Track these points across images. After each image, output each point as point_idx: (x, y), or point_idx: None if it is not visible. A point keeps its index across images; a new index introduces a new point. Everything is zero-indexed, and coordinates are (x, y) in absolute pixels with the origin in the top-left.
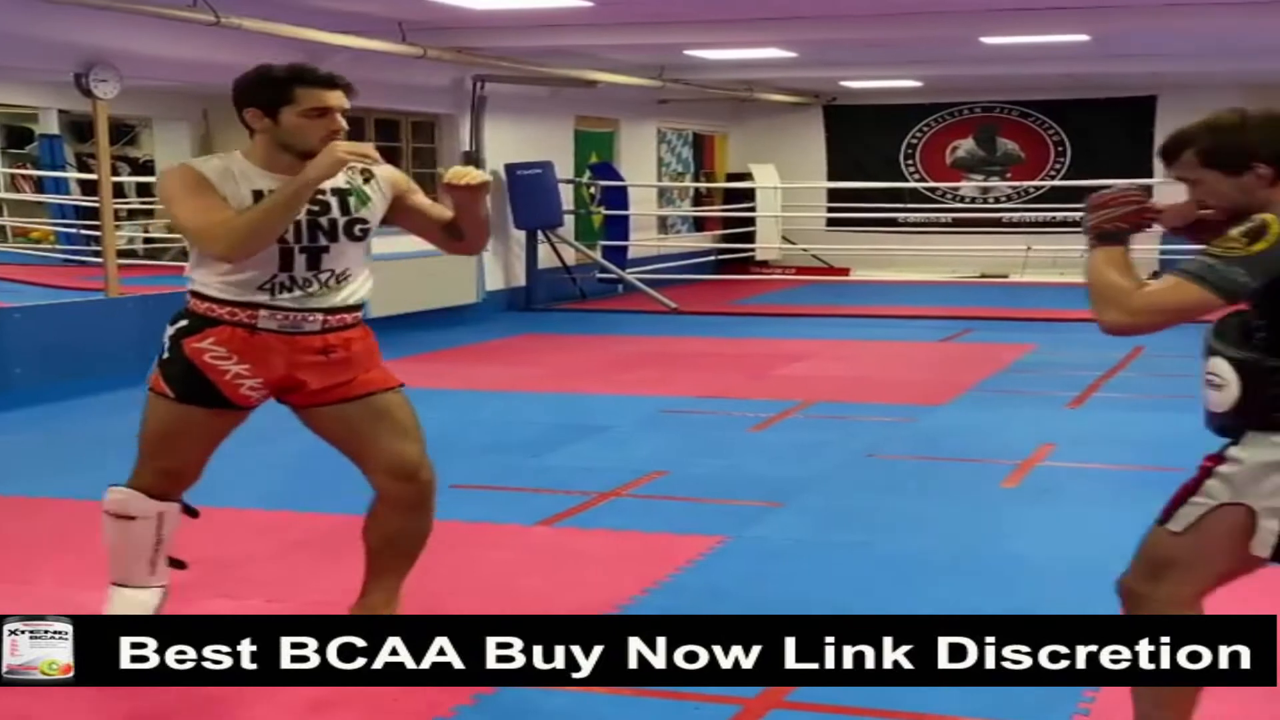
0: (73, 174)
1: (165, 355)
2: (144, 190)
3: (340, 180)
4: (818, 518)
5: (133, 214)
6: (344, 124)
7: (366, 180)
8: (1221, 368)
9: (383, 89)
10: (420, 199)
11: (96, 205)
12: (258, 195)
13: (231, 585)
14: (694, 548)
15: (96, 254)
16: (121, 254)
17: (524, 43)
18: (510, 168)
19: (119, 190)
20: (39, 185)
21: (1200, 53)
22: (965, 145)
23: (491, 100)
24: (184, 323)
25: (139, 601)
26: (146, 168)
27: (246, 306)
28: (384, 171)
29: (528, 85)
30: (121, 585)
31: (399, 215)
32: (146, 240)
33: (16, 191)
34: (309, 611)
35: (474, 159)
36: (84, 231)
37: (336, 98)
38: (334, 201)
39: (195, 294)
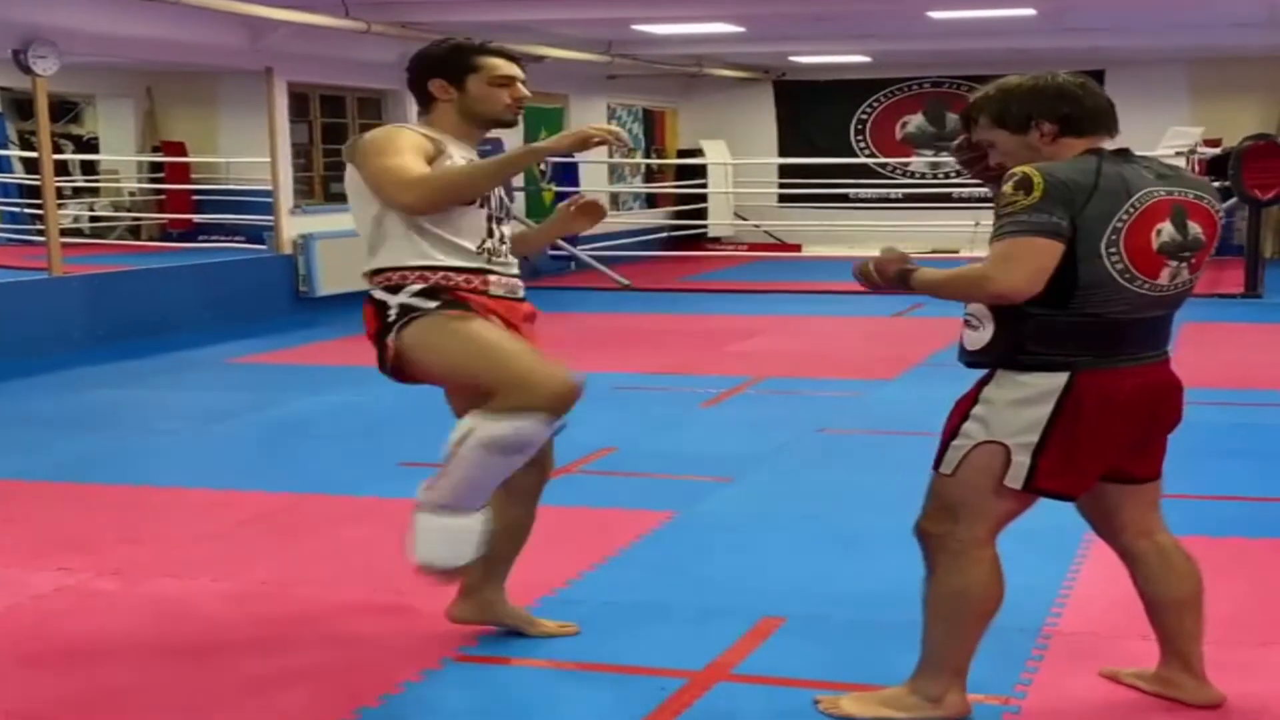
0: (15, 152)
1: (431, 305)
2: (88, 168)
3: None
4: (767, 492)
5: (77, 192)
6: (527, 93)
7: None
8: (979, 309)
9: (327, 64)
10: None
11: (39, 183)
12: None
13: (176, 565)
14: (643, 523)
15: (41, 233)
16: (66, 232)
17: (469, 17)
18: None
19: (63, 168)
20: None
21: (1146, 27)
22: (915, 121)
23: None
24: (418, 287)
25: (466, 536)
26: (90, 145)
27: (479, 272)
28: None
29: None
30: (444, 510)
31: None
32: (92, 218)
33: None
34: (255, 590)
35: None
36: (27, 210)
37: (516, 69)
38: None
39: (411, 268)
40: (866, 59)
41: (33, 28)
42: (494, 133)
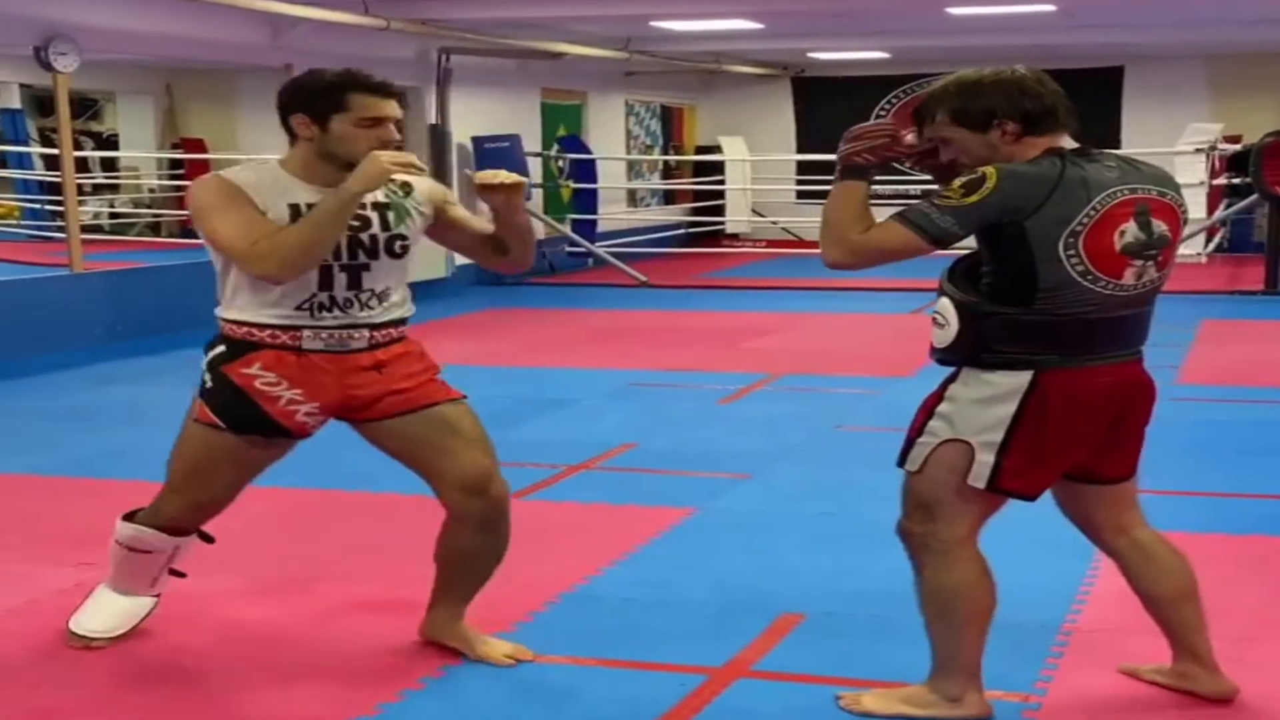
0: (36, 149)
1: (208, 385)
2: (108, 165)
3: (380, 194)
4: (785, 489)
5: (97, 189)
6: (396, 135)
7: (407, 194)
8: (945, 307)
9: (347, 62)
10: (460, 212)
11: (60, 180)
12: (294, 209)
13: (194, 561)
14: (662, 520)
15: (61, 229)
16: (86, 229)
17: (488, 14)
18: (477, 140)
19: (83, 165)
20: (1, 160)
21: (1166, 23)
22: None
23: (457, 73)
24: (221, 349)
25: (131, 612)
26: (110, 142)
27: (288, 328)
28: (423, 185)
29: (493, 58)
30: (117, 591)
31: (439, 230)
32: (112, 215)
33: None
34: (271, 586)
35: (440, 132)
36: (48, 207)
37: (391, 107)
38: (374, 217)
39: (229, 319)
40: (885, 55)
41: (53, 24)
42: (510, 129)
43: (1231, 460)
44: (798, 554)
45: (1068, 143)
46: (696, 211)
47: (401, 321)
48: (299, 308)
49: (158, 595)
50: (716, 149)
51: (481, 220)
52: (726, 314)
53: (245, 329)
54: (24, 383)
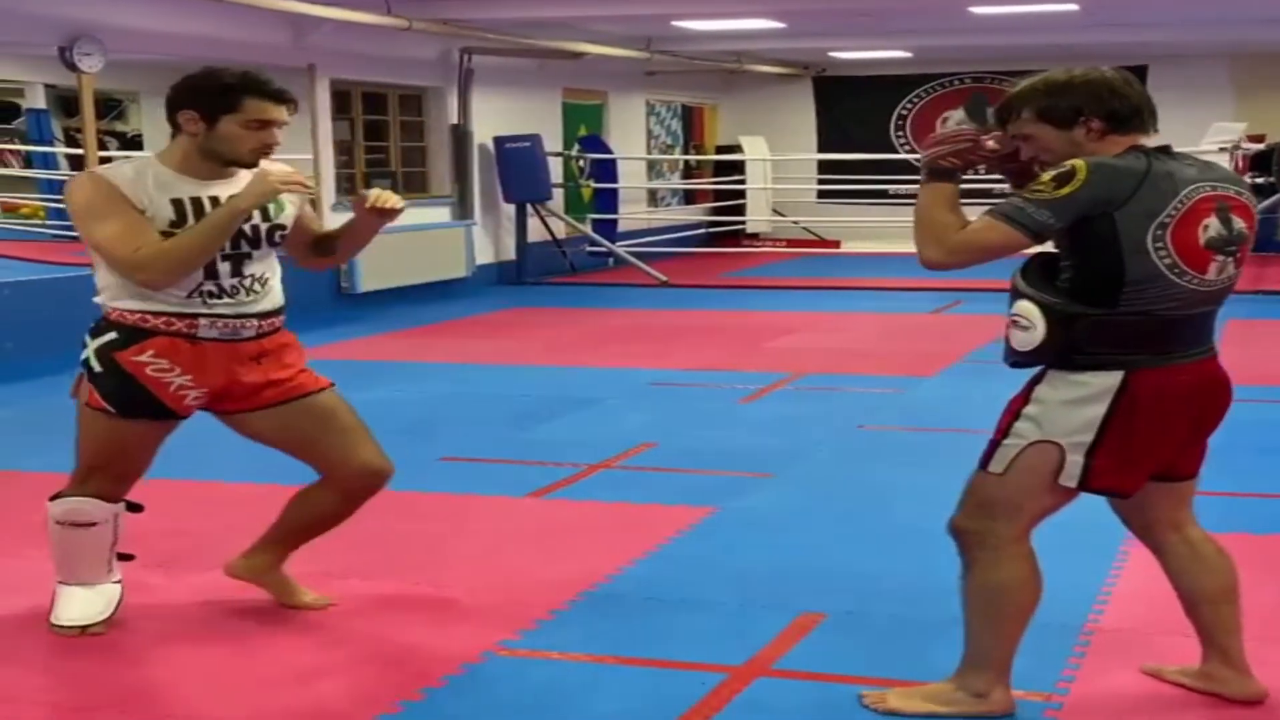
0: (61, 149)
1: (96, 370)
2: None
3: None
4: (807, 489)
5: None
6: (279, 139)
7: None
8: (1029, 310)
9: (369, 62)
10: (309, 210)
11: None
12: (178, 204)
13: (218, 558)
14: (683, 519)
15: None
16: None
17: (510, 14)
18: (499, 141)
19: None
20: (27, 160)
21: (1189, 22)
22: (955, 116)
23: (479, 73)
24: (112, 335)
25: (102, 597)
26: (135, 142)
27: (184, 316)
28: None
29: (515, 58)
30: (75, 585)
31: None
32: None
33: (4, 167)
34: (302, 584)
35: (462, 132)
36: None
37: (282, 113)
38: (263, 208)
39: (121, 308)
40: (907, 54)
41: (78, 24)
42: (531, 129)
43: (1255, 460)
44: (819, 553)
45: (1149, 143)
46: (717, 211)
47: (281, 311)
48: (190, 296)
49: (119, 581)
50: (737, 148)
51: (317, 221)
52: (747, 313)
53: (138, 315)
54: (48, 381)
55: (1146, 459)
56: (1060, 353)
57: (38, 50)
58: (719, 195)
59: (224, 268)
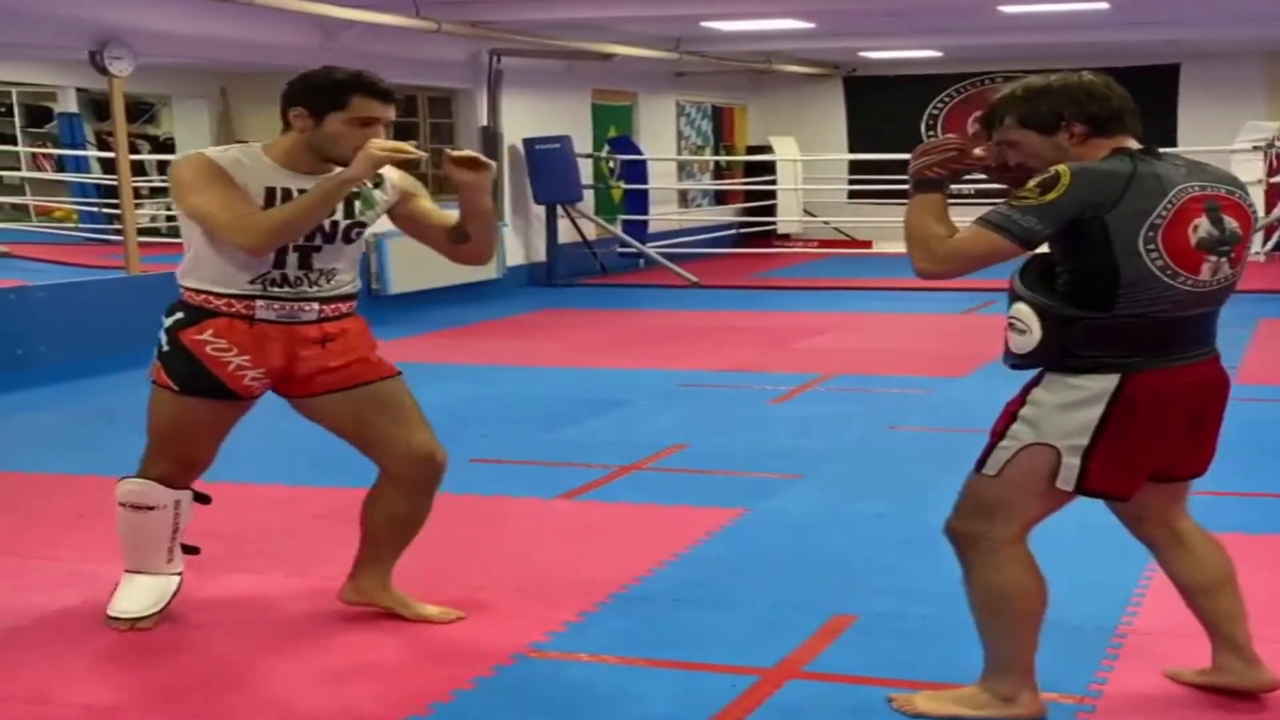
0: (93, 152)
1: (164, 349)
2: (164, 168)
3: None
4: (837, 490)
5: (155, 192)
6: (383, 138)
7: (377, 185)
8: (1025, 313)
9: (398, 64)
10: (424, 204)
11: (117, 183)
12: (270, 192)
13: (250, 560)
14: (713, 520)
15: (119, 232)
16: (144, 231)
17: (538, 15)
18: (528, 142)
19: (140, 168)
20: (60, 164)
21: (1222, 20)
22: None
23: (508, 74)
24: (179, 315)
25: (157, 588)
26: (166, 145)
27: (242, 298)
28: (391, 174)
29: (544, 59)
30: (138, 573)
31: (400, 220)
32: (169, 218)
33: (38, 170)
34: (327, 585)
35: (492, 133)
36: (105, 210)
37: (389, 112)
38: (340, 204)
39: (190, 287)
40: (938, 54)
41: (108, 29)
42: (561, 130)
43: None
44: (850, 555)
45: (1133, 144)
46: (748, 211)
47: (350, 297)
48: (252, 282)
49: (179, 573)
50: (768, 149)
51: (445, 214)
52: (778, 314)
53: (203, 296)
54: (82, 384)
55: (1143, 461)
56: (1056, 356)
57: (69, 54)
58: (750, 196)
59: (292, 258)
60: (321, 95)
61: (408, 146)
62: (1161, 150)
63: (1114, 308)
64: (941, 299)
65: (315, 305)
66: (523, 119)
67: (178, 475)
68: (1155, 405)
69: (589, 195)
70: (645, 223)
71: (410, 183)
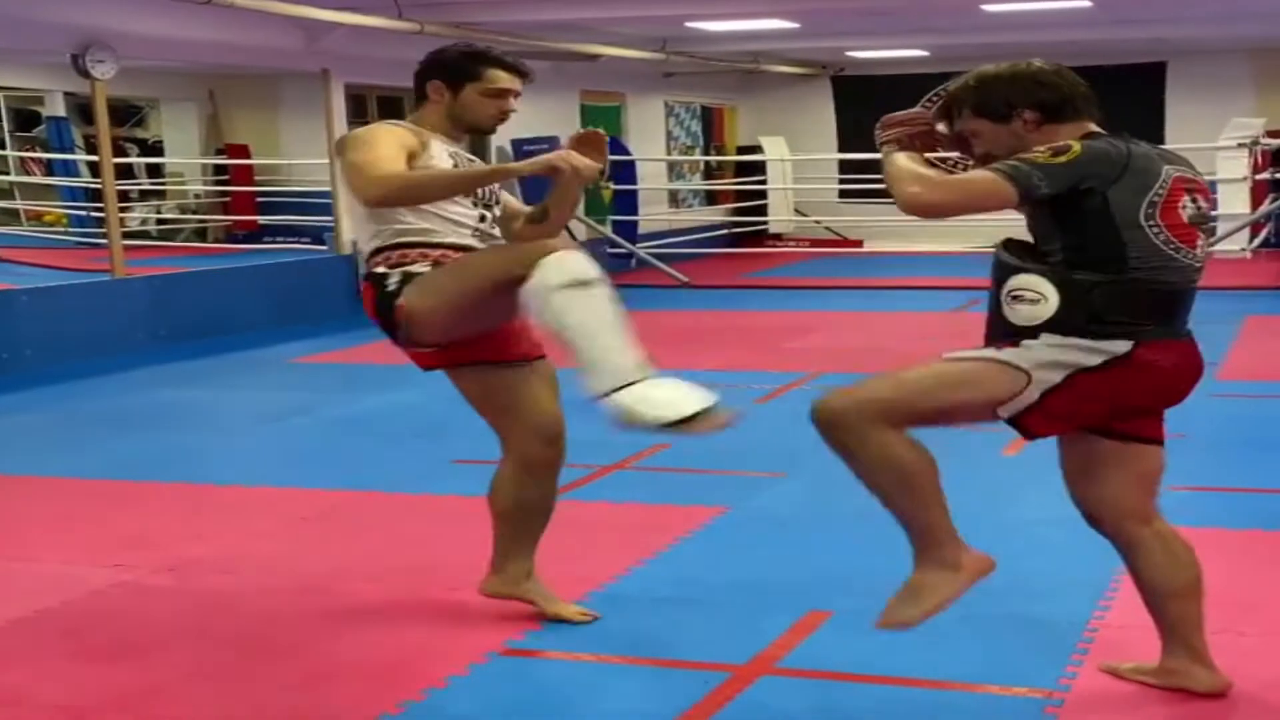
0: (81, 156)
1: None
2: (154, 171)
3: (462, 159)
4: (820, 487)
5: (144, 195)
6: (515, 107)
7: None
8: (1035, 282)
9: (384, 65)
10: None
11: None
12: (454, 156)
13: (232, 561)
14: (694, 518)
15: (106, 236)
16: (134, 235)
17: (521, 16)
18: (516, 143)
19: (129, 171)
20: (49, 168)
21: (1208, 18)
22: None
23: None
24: (426, 268)
25: (664, 385)
26: (155, 149)
27: (459, 249)
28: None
29: (530, 60)
30: (632, 384)
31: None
32: (159, 221)
33: (26, 174)
34: (307, 586)
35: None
36: (94, 214)
37: (518, 83)
38: None
39: (413, 246)
40: (924, 53)
41: (90, 32)
42: (549, 131)
43: (1274, 456)
44: (829, 552)
45: (1095, 129)
46: (738, 211)
47: None
48: (473, 233)
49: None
50: (757, 149)
51: (516, 199)
52: (768, 314)
53: (440, 250)
54: (67, 387)
55: (1089, 417)
56: (1080, 323)
57: (51, 58)
58: (740, 196)
59: (488, 215)
60: (457, 67)
61: (585, 166)
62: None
63: (1126, 271)
64: (932, 298)
65: None
66: (510, 120)
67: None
68: (1147, 373)
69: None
70: (635, 223)
71: None
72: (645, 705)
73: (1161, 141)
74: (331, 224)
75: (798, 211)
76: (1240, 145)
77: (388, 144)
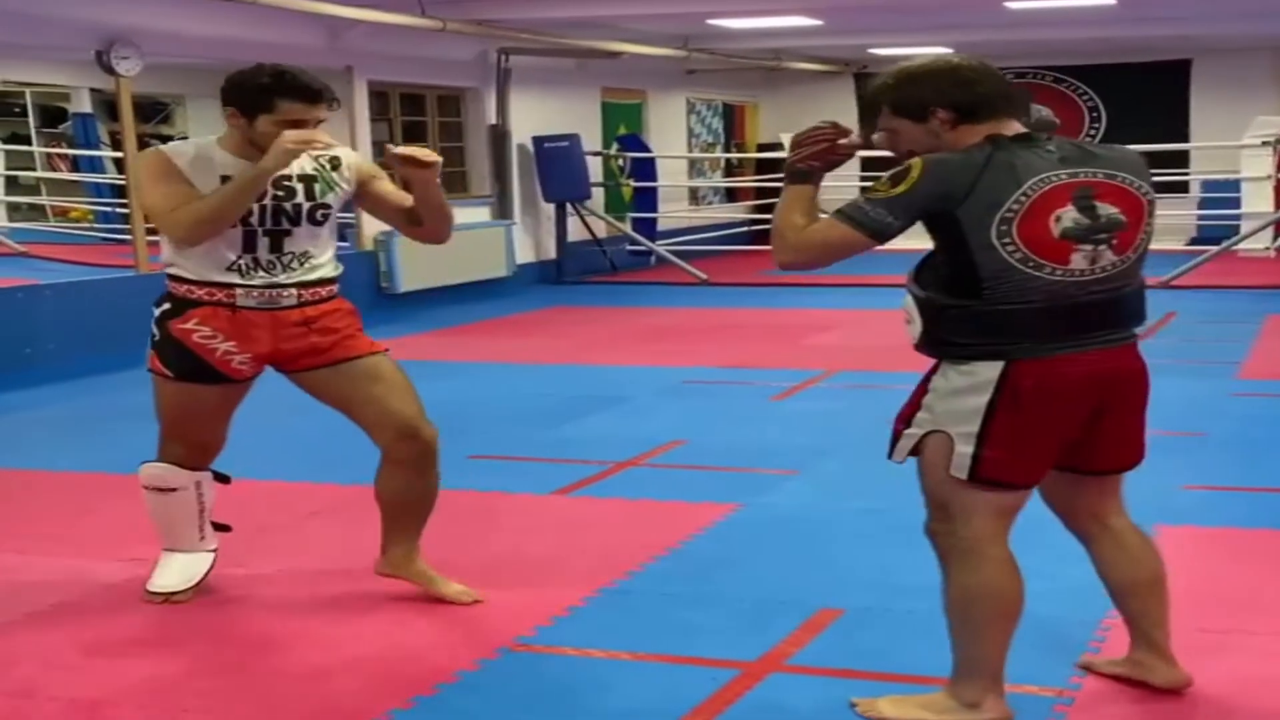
0: (107, 152)
1: (156, 338)
2: None
3: (308, 167)
4: (833, 485)
5: None
6: (319, 137)
7: (334, 168)
8: (908, 304)
9: (406, 63)
10: (383, 185)
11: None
12: (224, 180)
13: (241, 556)
14: (705, 516)
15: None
16: None
17: (544, 14)
18: (537, 140)
19: None
20: (75, 164)
21: (1232, 15)
22: None
23: (517, 73)
24: (166, 306)
25: (192, 565)
26: None
27: (223, 286)
28: (350, 158)
29: (553, 57)
30: (174, 550)
31: (363, 201)
32: None
33: (53, 171)
34: (318, 580)
35: (500, 132)
36: (120, 210)
37: (317, 112)
38: (300, 187)
39: (173, 277)
40: (948, 50)
41: (115, 29)
42: (570, 129)
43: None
44: (840, 550)
45: (1010, 131)
46: (759, 209)
47: (329, 281)
48: (229, 269)
49: (214, 550)
50: (779, 146)
51: (404, 195)
52: (787, 311)
53: (185, 287)
54: (89, 382)
55: (1037, 450)
56: (937, 344)
57: (76, 55)
58: (761, 193)
59: (263, 243)
60: (249, 98)
61: (318, 135)
62: (1045, 136)
63: (981, 295)
64: None
65: (294, 290)
66: (532, 117)
67: (193, 457)
68: (1040, 394)
69: (598, 193)
70: (654, 220)
71: (368, 166)
72: (655, 702)
73: (1185, 138)
74: (353, 220)
75: (820, 209)
76: (1264, 143)
77: (166, 180)
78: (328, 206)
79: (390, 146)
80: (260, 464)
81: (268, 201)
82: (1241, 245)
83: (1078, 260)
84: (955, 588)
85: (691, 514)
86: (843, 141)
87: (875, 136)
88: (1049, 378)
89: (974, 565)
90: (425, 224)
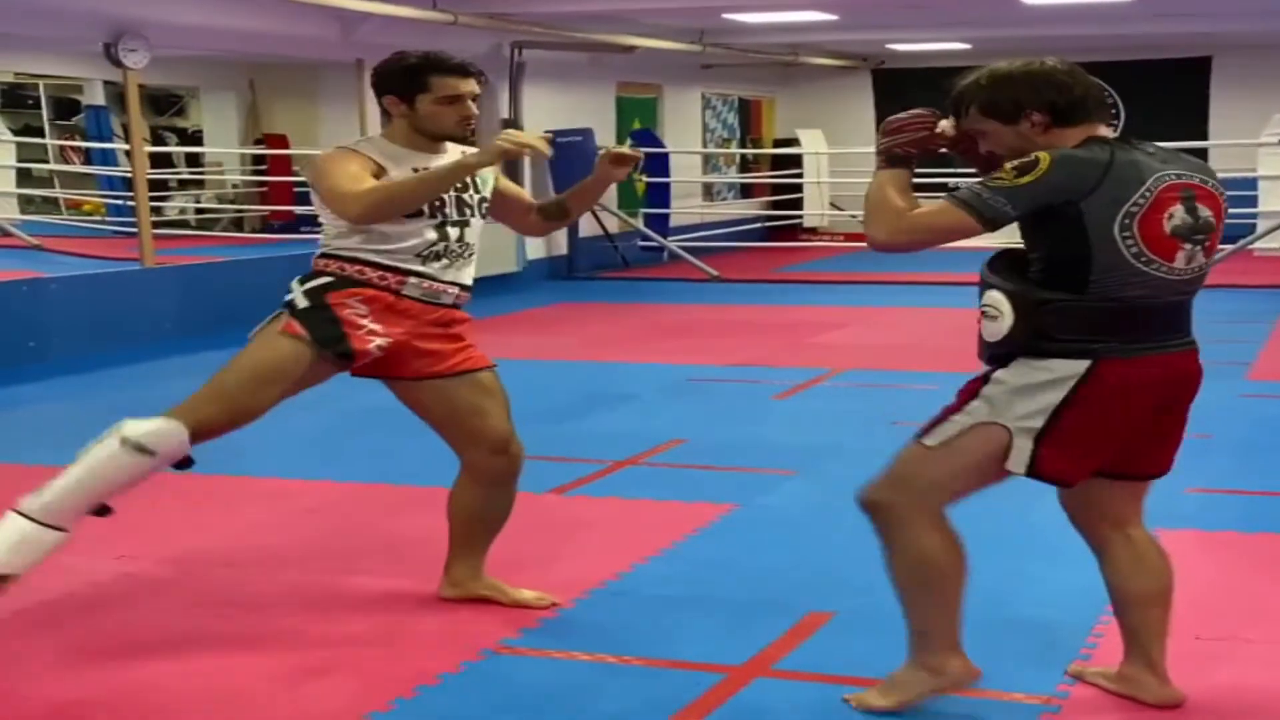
0: (119, 145)
1: (303, 306)
2: (193, 160)
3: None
4: (830, 485)
5: (183, 184)
6: (475, 110)
7: None
8: (996, 299)
9: None
10: (507, 183)
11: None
12: (416, 171)
13: (236, 554)
14: (702, 516)
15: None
16: (173, 224)
17: (558, 8)
18: (550, 134)
19: (168, 161)
20: (87, 157)
21: (1253, 11)
22: None
23: (530, 67)
24: (328, 279)
25: (37, 542)
26: (195, 138)
27: (398, 272)
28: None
29: (567, 52)
30: (28, 518)
31: (493, 199)
32: (198, 210)
33: (65, 163)
34: (307, 579)
35: (512, 125)
36: (130, 203)
37: (469, 85)
38: (474, 180)
39: (340, 257)
40: (966, 46)
41: (124, 21)
42: (584, 123)
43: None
44: (835, 551)
45: (1104, 133)
46: (774, 205)
47: (470, 289)
48: (418, 255)
49: (66, 532)
50: (795, 142)
51: (522, 190)
52: (796, 308)
53: (357, 267)
54: (93, 377)
55: (1098, 449)
56: (1029, 339)
57: (85, 46)
58: (776, 189)
59: (454, 232)
60: (402, 81)
61: (538, 142)
62: (1136, 140)
63: (1086, 290)
64: (966, 294)
65: (454, 289)
66: (545, 111)
67: (220, 425)
68: (1121, 393)
69: (611, 188)
70: (667, 216)
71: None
72: (637, 706)
73: (1204, 136)
74: None
75: (833, 205)
76: None
77: (354, 164)
78: (487, 199)
79: (609, 148)
80: (255, 462)
81: (454, 193)
82: (1257, 244)
83: (1180, 259)
84: (902, 558)
85: (687, 514)
86: (942, 124)
87: (947, 127)
88: (1131, 378)
89: (917, 533)
90: (571, 215)
